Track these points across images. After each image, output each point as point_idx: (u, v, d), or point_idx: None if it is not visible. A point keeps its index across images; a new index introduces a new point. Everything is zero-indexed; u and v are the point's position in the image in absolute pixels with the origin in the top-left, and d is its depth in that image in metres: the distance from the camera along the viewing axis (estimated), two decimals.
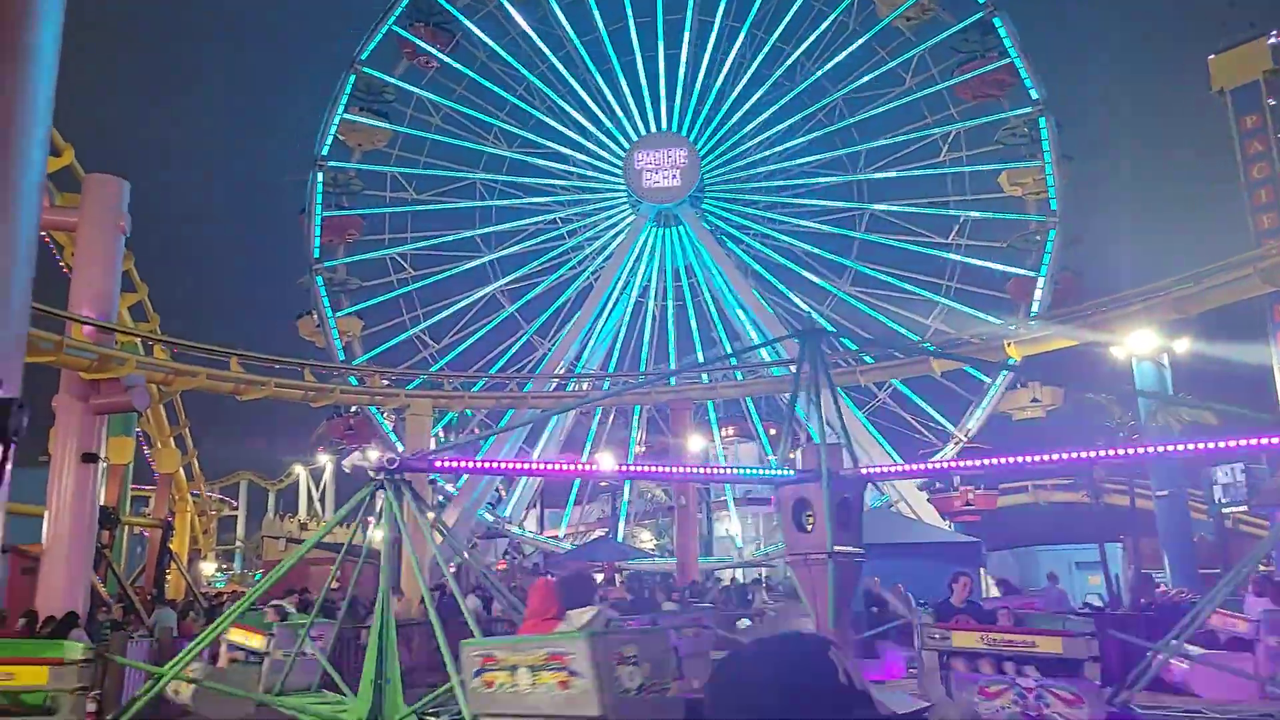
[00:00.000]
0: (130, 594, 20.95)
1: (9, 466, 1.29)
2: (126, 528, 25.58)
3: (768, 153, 43.14)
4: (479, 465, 13.50)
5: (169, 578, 25.18)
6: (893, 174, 41.42)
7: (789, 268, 42.43)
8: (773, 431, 42.80)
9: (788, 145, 42.83)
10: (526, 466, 23.41)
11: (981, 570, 22.86)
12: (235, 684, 9.41)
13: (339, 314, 39.68)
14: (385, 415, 36.55)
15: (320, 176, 40.30)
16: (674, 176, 41.15)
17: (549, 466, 19.57)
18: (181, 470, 32.84)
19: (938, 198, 40.77)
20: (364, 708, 7.71)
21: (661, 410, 38.69)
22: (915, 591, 15.29)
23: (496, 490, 40.08)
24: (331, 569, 10.41)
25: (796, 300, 41.29)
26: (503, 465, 19.29)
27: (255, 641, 10.35)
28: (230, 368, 23.73)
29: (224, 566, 55.66)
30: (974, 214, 39.78)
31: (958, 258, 39.47)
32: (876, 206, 41.33)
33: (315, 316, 39.11)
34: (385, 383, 31.85)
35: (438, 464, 9.57)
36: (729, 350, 42.75)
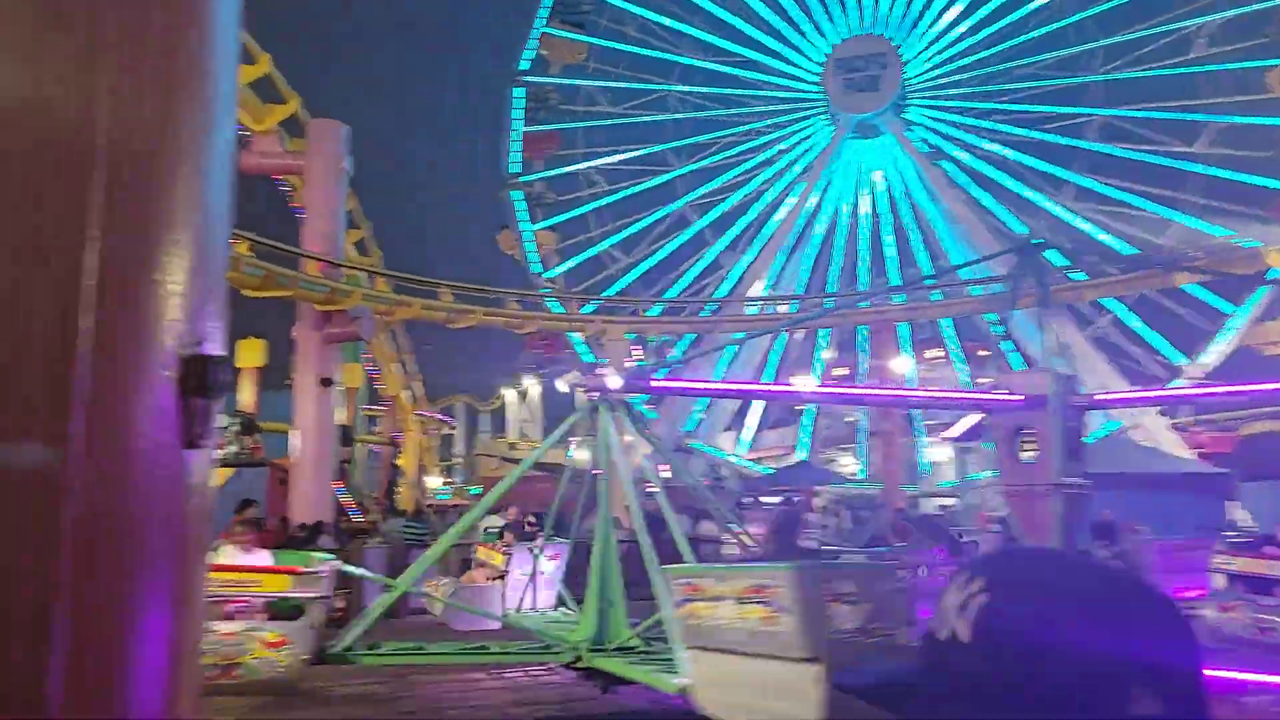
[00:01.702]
0: (368, 505, 23.17)
1: (213, 420, 1.23)
2: (361, 445, 28.10)
3: (983, 55, 39.65)
4: (693, 387, 13.61)
5: (399, 491, 27.58)
6: (1132, 74, 36.79)
7: (1001, 182, 39.27)
8: (983, 353, 40.41)
9: (1007, 45, 39.11)
10: (740, 389, 23.22)
11: (1230, 505, 20.66)
12: (484, 601, 9.92)
13: (535, 227, 41.01)
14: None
15: (521, 92, 41.33)
16: (875, 84, 38.81)
17: (762, 388, 19.37)
18: (405, 393, 35.56)
19: (1183, 100, 35.93)
20: (586, 631, 7.84)
21: (854, 332, 37.51)
22: (1157, 526, 13.92)
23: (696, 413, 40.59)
24: (558, 489, 10.54)
25: (1009, 217, 38.27)
26: (715, 386, 19.27)
27: (496, 560, 10.98)
28: (442, 298, 25.13)
29: (447, 481, 60.23)
30: (1229, 119, 34.77)
31: (1204, 170, 34.82)
32: (1109, 112, 37.04)
33: (513, 231, 40.71)
34: (582, 309, 32.77)
35: (653, 384, 9.57)
36: (928, 269, 40.52)
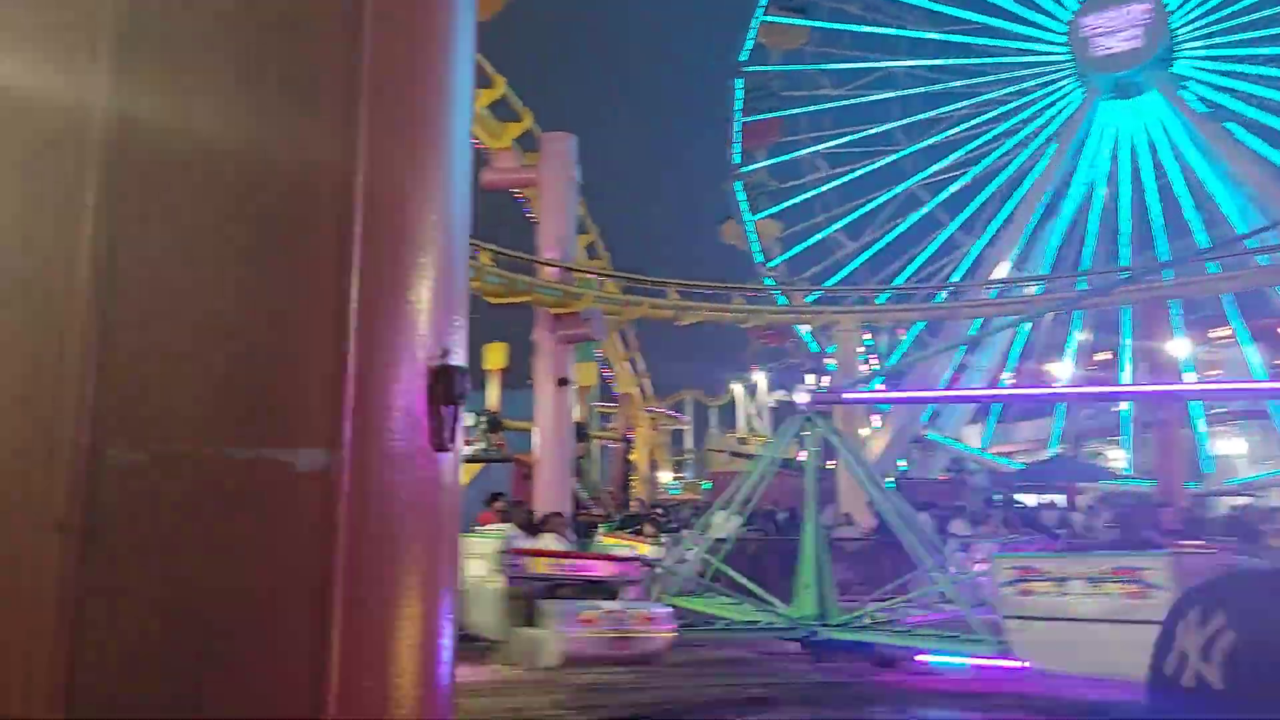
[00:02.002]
0: (603, 500, 24.16)
1: (459, 425, 1.35)
2: (596, 441, 29.32)
3: None
4: (888, 396, 13.42)
5: (633, 486, 28.51)
6: None
7: None
8: None
9: None
10: (938, 395, 22.21)
11: None
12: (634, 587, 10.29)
13: (757, 216, 40.79)
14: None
15: (741, 83, 41.31)
16: (1134, 37, 34.99)
17: (963, 393, 18.34)
18: (636, 390, 36.70)
19: None
20: (805, 610, 8.49)
21: (1117, 313, 34.18)
22: None
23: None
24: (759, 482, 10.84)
25: None
26: (913, 395, 18.54)
27: (642, 548, 11.29)
28: (668, 296, 25.66)
29: (678, 476, 61.45)
30: None
31: None
32: None
33: (736, 221, 40.81)
34: (807, 299, 32.25)
35: (847, 397, 10.09)
36: (1204, 240, 35.97)
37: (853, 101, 41.87)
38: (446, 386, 1.44)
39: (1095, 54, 35.74)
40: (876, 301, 32.64)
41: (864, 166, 41.55)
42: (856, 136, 41.66)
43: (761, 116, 41.43)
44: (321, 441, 1.27)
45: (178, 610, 1.19)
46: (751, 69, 41.45)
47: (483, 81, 21.27)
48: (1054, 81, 38.33)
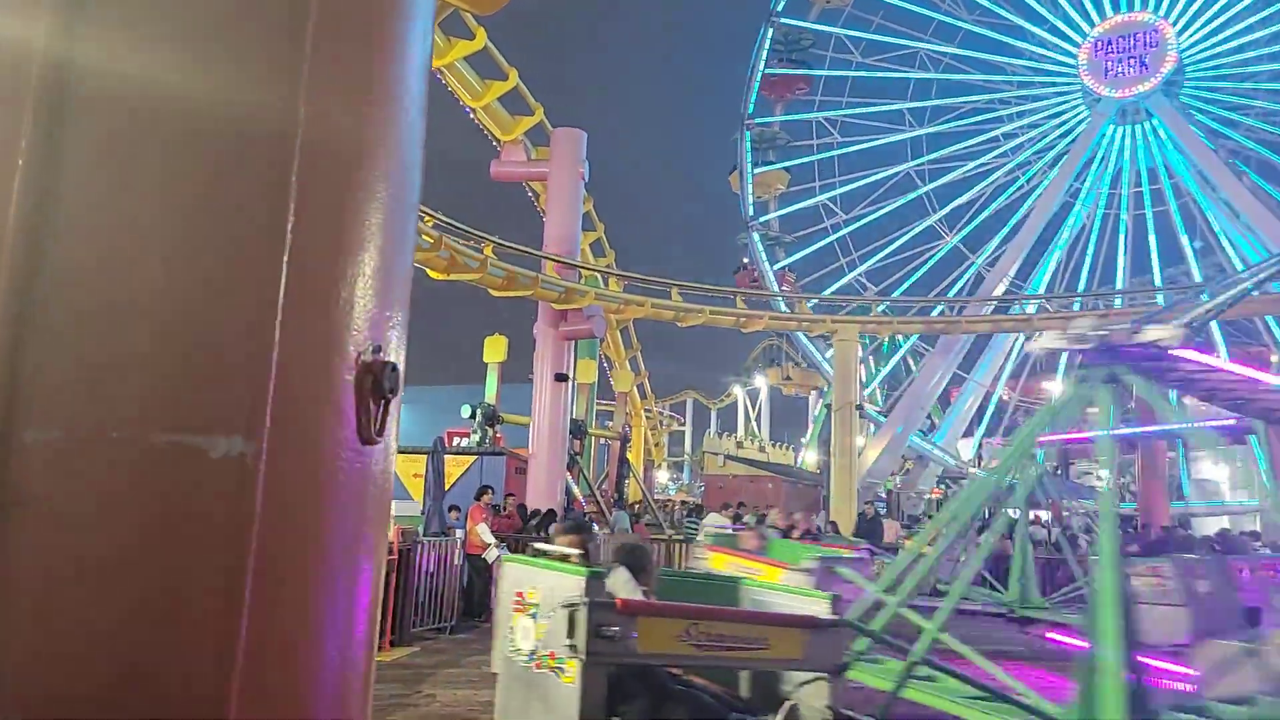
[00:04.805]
0: (597, 496, 24.17)
1: (390, 419, 1.35)
2: (593, 438, 29.33)
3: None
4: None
5: (627, 484, 28.51)
6: None
7: None
8: (1258, 351, 35.54)
9: None
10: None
11: None
12: None
13: (759, 169, 41.09)
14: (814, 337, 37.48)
15: (770, 33, 41.42)
16: (1142, 64, 35.19)
17: None
18: (635, 389, 36.71)
19: None
20: (1011, 597, 11.06)
21: None
22: None
23: (929, 417, 38.79)
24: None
25: None
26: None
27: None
28: (671, 297, 25.66)
29: (675, 477, 61.49)
30: None
31: None
32: None
33: (741, 172, 41.32)
34: (811, 307, 32.24)
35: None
36: (1199, 267, 36.23)
37: (875, 75, 42.23)
38: (376, 380, 1.43)
39: (1104, 78, 35.97)
40: (879, 311, 32.67)
41: (870, 140, 41.99)
42: (872, 110, 41.99)
43: (786, 71, 41.70)
44: (239, 429, 1.27)
45: (87, 593, 1.18)
46: (785, 20, 41.62)
47: (495, 73, 21.27)
48: (1062, 97, 38.57)
